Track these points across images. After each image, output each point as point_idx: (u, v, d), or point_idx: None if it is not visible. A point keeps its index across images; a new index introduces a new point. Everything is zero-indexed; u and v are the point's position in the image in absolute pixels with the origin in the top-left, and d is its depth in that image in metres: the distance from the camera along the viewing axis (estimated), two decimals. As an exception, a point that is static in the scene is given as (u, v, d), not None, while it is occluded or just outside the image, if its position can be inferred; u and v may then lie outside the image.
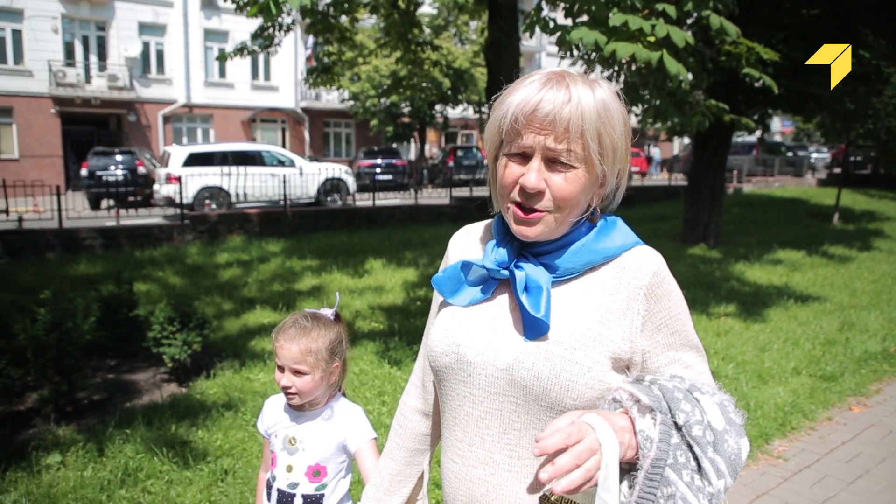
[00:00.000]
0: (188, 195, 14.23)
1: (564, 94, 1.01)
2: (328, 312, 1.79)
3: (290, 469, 1.74)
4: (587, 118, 1.01)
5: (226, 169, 15.16)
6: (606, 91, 1.06)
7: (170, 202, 14.21)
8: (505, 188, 1.08)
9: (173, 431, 3.92)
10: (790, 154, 28.44)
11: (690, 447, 0.97)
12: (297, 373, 1.70)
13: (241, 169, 15.25)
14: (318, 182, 16.34)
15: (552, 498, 0.97)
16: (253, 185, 14.91)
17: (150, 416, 4.13)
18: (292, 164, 16.47)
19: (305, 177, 16.16)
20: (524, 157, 1.05)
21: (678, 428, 0.97)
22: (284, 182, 13.99)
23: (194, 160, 15.27)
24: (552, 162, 1.04)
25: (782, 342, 5.80)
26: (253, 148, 17.06)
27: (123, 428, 3.94)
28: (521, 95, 1.04)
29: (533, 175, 1.03)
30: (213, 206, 14.82)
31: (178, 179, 13.85)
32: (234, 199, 15.03)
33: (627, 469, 0.99)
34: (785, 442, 4.02)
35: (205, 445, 3.75)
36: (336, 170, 16.98)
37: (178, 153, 15.45)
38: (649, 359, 1.09)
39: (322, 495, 1.74)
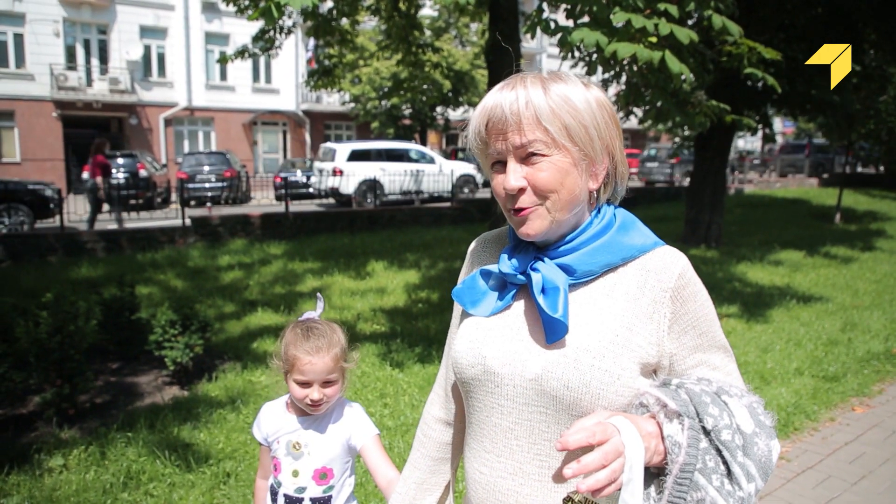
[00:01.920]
0: (350, 187, 16.38)
1: (512, 94, 1.04)
2: (315, 315, 1.78)
3: (296, 474, 1.73)
4: (538, 105, 1.02)
5: (380, 164, 17.16)
6: (568, 84, 1.05)
7: (334, 192, 16.60)
8: (499, 197, 1.10)
9: (175, 434, 3.92)
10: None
11: (720, 451, 0.96)
12: (326, 383, 1.68)
13: (393, 165, 17.46)
14: (454, 178, 17.79)
15: (576, 499, 0.97)
16: (402, 180, 16.92)
17: (152, 418, 4.13)
18: (433, 161, 18.71)
19: (443, 173, 18.03)
20: (504, 164, 1.07)
21: (707, 432, 0.97)
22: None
23: (355, 156, 17.42)
24: (527, 158, 1.04)
25: (784, 343, 5.79)
26: (402, 146, 19.23)
27: (125, 431, 3.94)
28: (479, 108, 1.09)
29: (511, 176, 1.05)
30: (371, 197, 16.66)
31: (342, 172, 16.31)
32: (387, 192, 17.15)
33: (656, 474, 0.98)
34: (788, 443, 4.02)
35: (207, 448, 3.75)
36: (467, 168, 19.65)
37: (343, 149, 17.68)
38: (677, 362, 1.08)
39: (330, 497, 1.74)
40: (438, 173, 17.90)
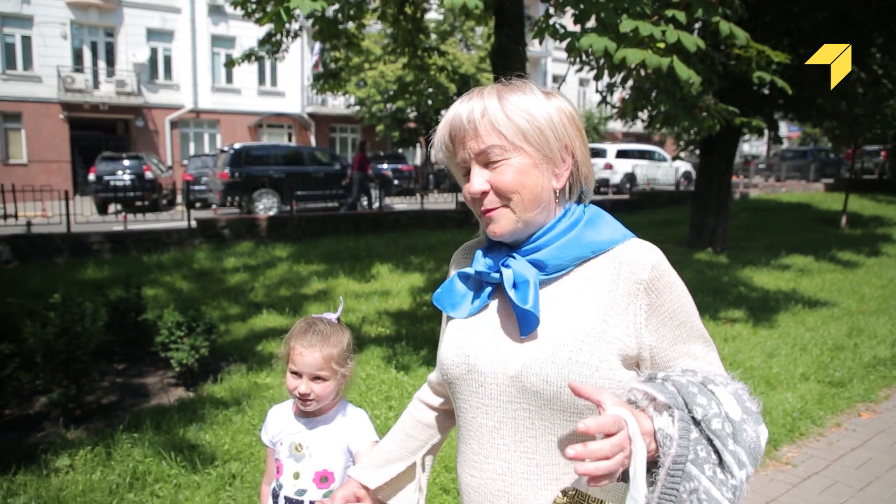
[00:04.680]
0: (617, 178, 22.49)
1: (469, 105, 1.10)
2: (332, 317, 1.80)
3: (297, 476, 1.74)
4: (492, 112, 1.08)
5: (634, 161, 23.35)
6: (525, 93, 1.10)
7: (604, 182, 21.76)
8: (469, 203, 1.15)
9: (181, 435, 3.93)
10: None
11: (710, 441, 0.97)
12: (316, 379, 1.70)
13: (643, 162, 23.68)
14: (679, 173, 23.78)
15: (569, 493, 0.97)
16: (644, 174, 23.21)
17: (158, 419, 4.14)
18: (665, 159, 24.85)
19: (671, 169, 24.19)
20: (470, 171, 1.12)
21: (697, 423, 0.98)
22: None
23: (620, 154, 23.36)
24: (488, 164, 1.10)
25: (790, 348, 5.78)
26: (649, 148, 25.40)
27: (131, 432, 3.95)
28: (442, 121, 1.15)
29: (474, 181, 1.11)
30: (629, 186, 22.26)
31: (612, 167, 22.46)
32: (638, 182, 22.78)
33: (647, 466, 0.99)
34: (793, 448, 4.01)
35: (212, 449, 3.76)
36: (687, 165, 25.29)
37: (612, 148, 23.61)
38: (658, 354, 1.09)
39: None
40: (669, 168, 24.30)
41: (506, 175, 1.08)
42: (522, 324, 1.08)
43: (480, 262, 1.17)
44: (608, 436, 0.89)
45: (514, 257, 1.13)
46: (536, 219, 1.11)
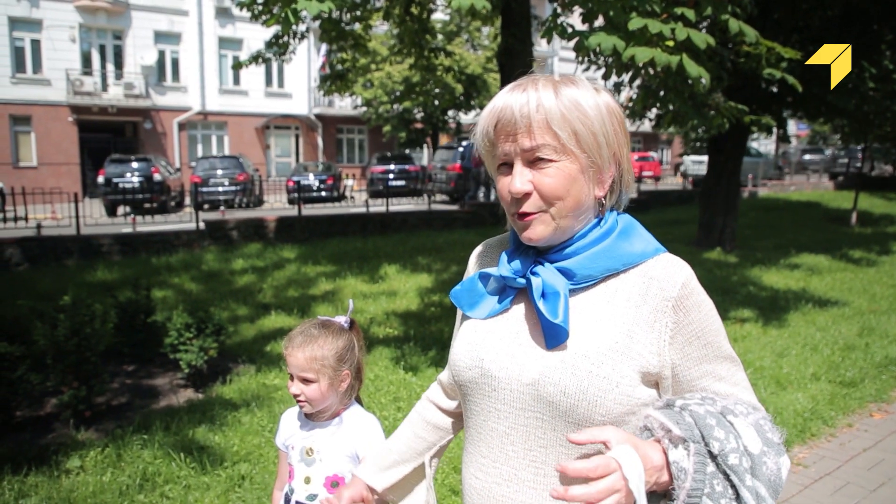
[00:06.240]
0: None
1: (523, 97, 1.03)
2: (341, 320, 1.79)
3: (308, 480, 1.73)
4: (549, 110, 1.01)
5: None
6: (580, 88, 1.05)
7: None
8: (504, 200, 1.09)
9: (191, 437, 3.94)
10: None
11: (727, 476, 0.95)
12: (304, 381, 1.70)
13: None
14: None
15: None
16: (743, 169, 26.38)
17: (167, 421, 4.16)
18: (761, 155, 27.07)
19: (769, 164, 26.52)
20: (510, 166, 1.07)
21: (713, 457, 0.95)
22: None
23: None
24: (534, 162, 1.03)
25: (801, 347, 5.74)
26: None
27: (141, 433, 3.97)
28: (488, 108, 1.08)
29: (517, 179, 1.04)
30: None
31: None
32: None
33: (663, 495, 0.97)
34: (805, 449, 3.98)
35: (222, 451, 3.77)
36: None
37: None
38: (681, 372, 1.06)
39: None
40: (767, 162, 27.19)
41: (553, 179, 1.02)
42: (549, 336, 1.04)
43: (506, 267, 1.12)
44: (600, 477, 0.88)
45: (542, 264, 1.09)
46: (573, 225, 1.07)
